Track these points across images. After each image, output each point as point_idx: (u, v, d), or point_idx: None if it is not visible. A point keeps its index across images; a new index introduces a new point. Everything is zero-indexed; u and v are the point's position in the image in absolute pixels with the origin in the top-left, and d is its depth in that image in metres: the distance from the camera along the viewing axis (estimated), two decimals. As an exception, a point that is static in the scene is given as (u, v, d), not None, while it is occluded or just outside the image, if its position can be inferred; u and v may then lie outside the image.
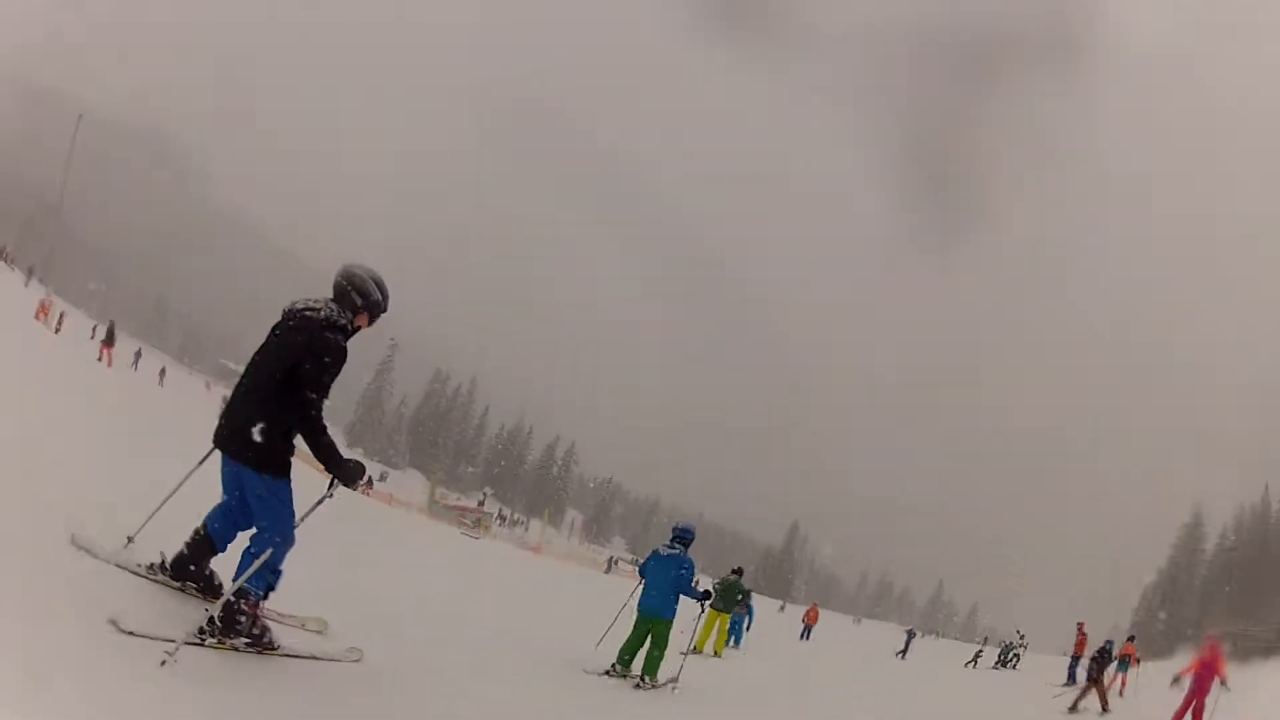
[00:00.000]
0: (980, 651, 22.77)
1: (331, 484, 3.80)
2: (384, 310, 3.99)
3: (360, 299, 3.89)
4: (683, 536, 7.22)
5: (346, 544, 9.63)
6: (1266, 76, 55.98)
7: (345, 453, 3.82)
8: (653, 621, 6.96)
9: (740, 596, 12.63)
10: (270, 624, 3.89)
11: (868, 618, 49.63)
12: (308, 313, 3.79)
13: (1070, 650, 16.89)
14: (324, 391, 3.69)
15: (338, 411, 58.67)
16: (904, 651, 22.56)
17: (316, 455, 3.70)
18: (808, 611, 23.71)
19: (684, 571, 7.02)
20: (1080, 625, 17.34)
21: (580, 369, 64.47)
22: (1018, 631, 26.82)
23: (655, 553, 7.23)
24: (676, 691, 6.93)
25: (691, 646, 8.22)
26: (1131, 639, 17.29)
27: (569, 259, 75.06)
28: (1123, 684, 15.14)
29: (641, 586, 7.16)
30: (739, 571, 12.99)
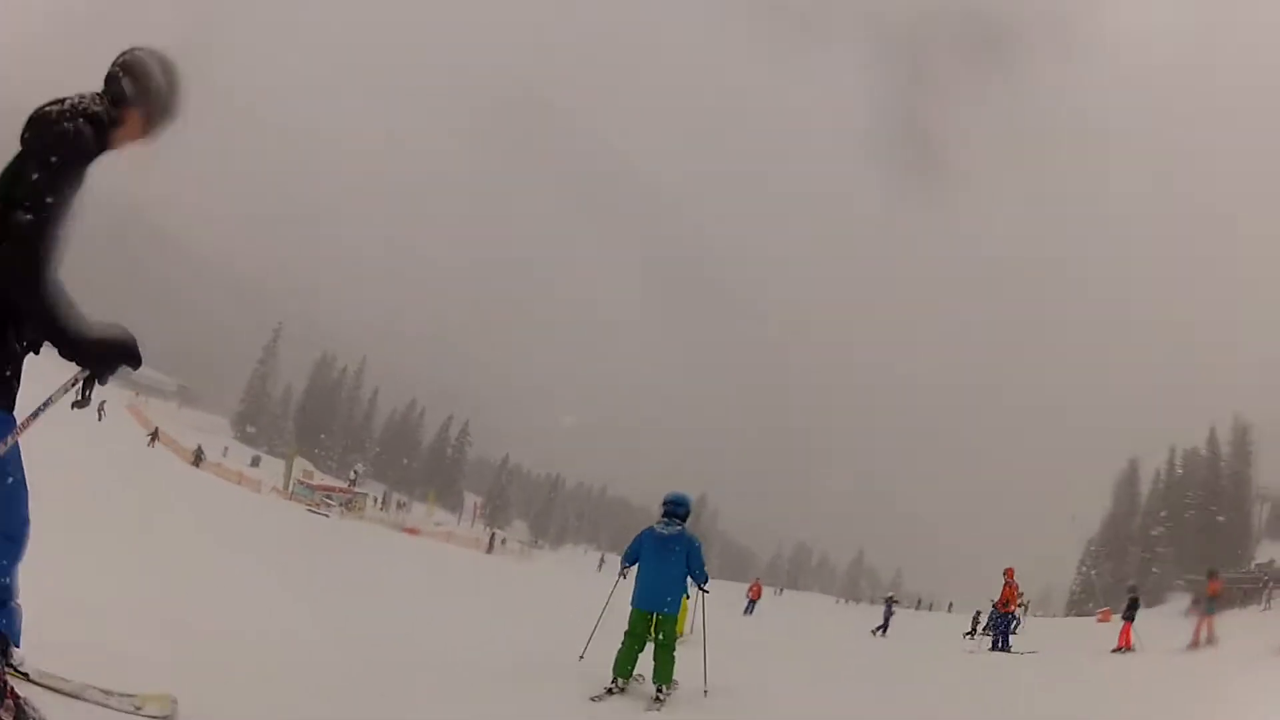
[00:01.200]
0: (978, 616, 19.11)
1: (78, 381, 2.22)
2: (169, 111, 2.49)
3: (133, 85, 2.43)
4: (676, 509, 6.21)
5: (130, 536, 6.88)
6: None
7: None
8: (660, 616, 6.04)
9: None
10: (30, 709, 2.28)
11: (789, 588, 46.93)
12: (47, 107, 2.35)
13: (997, 599, 15.05)
14: (47, 212, 2.10)
15: (224, 400, 54.33)
16: (883, 628, 18.93)
17: (39, 325, 2.17)
18: (751, 586, 24.68)
19: (694, 550, 6.17)
20: (1008, 573, 15.11)
21: (473, 341, 59.67)
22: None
23: (650, 533, 6.24)
24: (709, 696, 5.95)
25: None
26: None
27: (468, 227, 70.13)
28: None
29: (634, 576, 6.25)
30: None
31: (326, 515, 26.64)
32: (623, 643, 5.95)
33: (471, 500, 53.64)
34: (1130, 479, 37.33)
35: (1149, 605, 24.34)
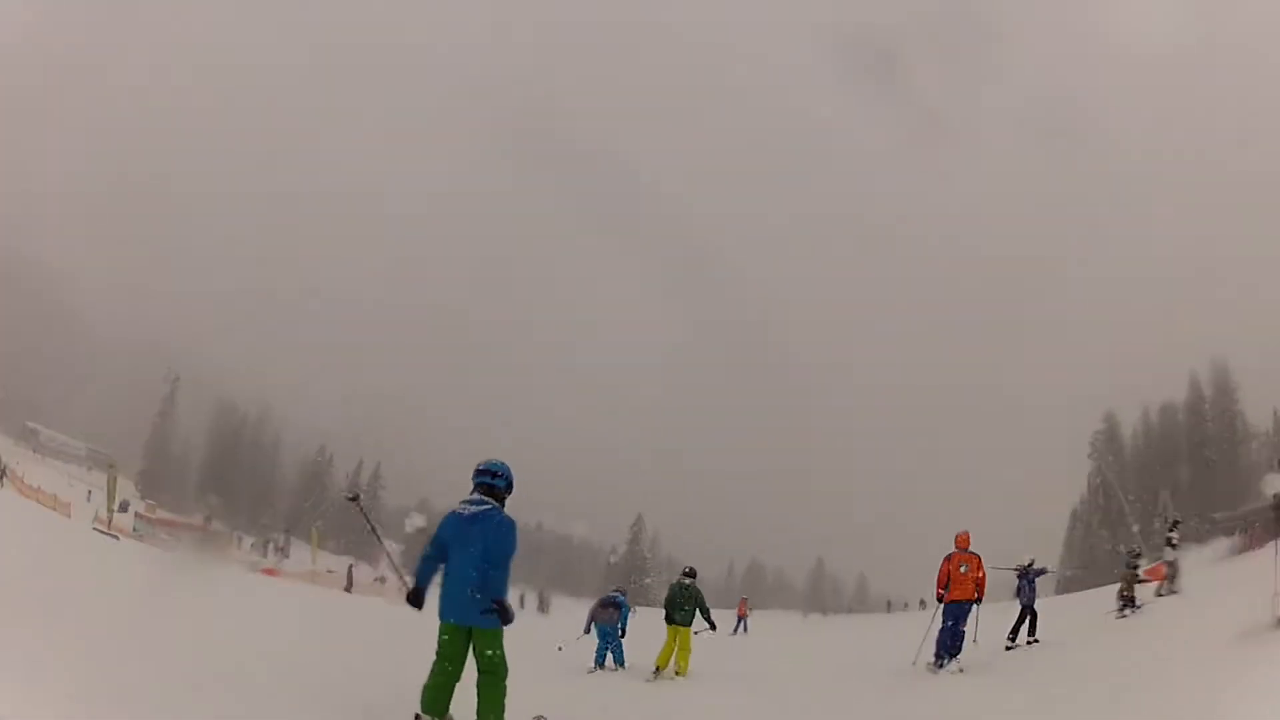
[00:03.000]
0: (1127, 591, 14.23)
1: None
2: None
3: None
4: (490, 481, 6.00)
5: None
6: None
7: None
8: (477, 632, 5.76)
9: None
10: None
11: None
12: None
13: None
14: None
15: (125, 462, 49.22)
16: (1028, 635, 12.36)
17: None
18: (740, 604, 26.77)
19: (499, 535, 5.79)
20: (960, 539, 10.96)
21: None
22: None
23: (453, 516, 5.85)
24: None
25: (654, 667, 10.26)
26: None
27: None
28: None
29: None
30: (692, 573, 11.71)
31: (116, 537, 21.35)
32: (432, 669, 5.24)
33: (389, 547, 48.08)
34: (1113, 435, 33.05)
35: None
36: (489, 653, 5.14)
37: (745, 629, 25.08)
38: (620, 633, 12.34)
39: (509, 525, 5.34)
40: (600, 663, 11.79)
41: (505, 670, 5.20)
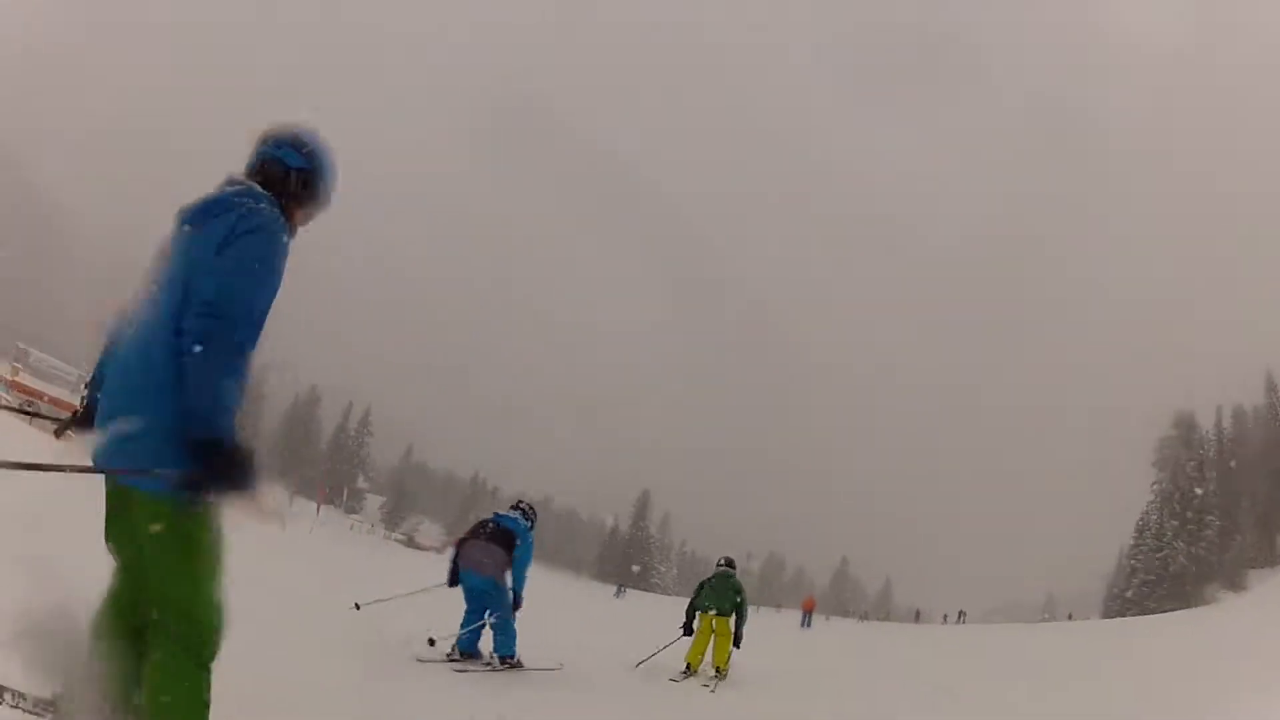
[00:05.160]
0: None
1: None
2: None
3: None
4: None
5: None
6: None
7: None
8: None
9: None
10: None
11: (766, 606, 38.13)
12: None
13: None
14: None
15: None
16: None
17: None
18: (804, 601, 25.64)
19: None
20: None
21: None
22: None
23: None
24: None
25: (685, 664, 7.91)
26: None
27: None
28: None
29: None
30: (730, 564, 9.39)
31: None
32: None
33: (377, 501, 45.67)
34: (1188, 441, 29.74)
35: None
36: (165, 568, 2.16)
37: (809, 624, 23.18)
38: (513, 603, 6.82)
39: (261, 237, 2.27)
40: (467, 648, 6.63)
41: (209, 627, 1.96)
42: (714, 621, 8.62)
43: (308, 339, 50.19)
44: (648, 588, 35.42)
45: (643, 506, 41.87)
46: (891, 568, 41.31)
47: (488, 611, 6.66)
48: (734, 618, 8.84)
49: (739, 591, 8.99)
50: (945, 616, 31.01)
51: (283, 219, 2.25)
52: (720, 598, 8.80)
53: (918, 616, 32.49)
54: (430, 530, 43.59)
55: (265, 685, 2.85)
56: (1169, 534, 27.28)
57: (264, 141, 2.40)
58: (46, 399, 19.91)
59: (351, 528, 38.60)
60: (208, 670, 2.05)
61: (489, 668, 6.44)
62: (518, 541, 6.96)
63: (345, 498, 45.19)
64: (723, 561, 9.52)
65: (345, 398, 44.54)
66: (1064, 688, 9.93)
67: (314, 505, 31.55)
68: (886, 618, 35.05)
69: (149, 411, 2.01)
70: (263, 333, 2.18)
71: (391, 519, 42.77)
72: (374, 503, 45.02)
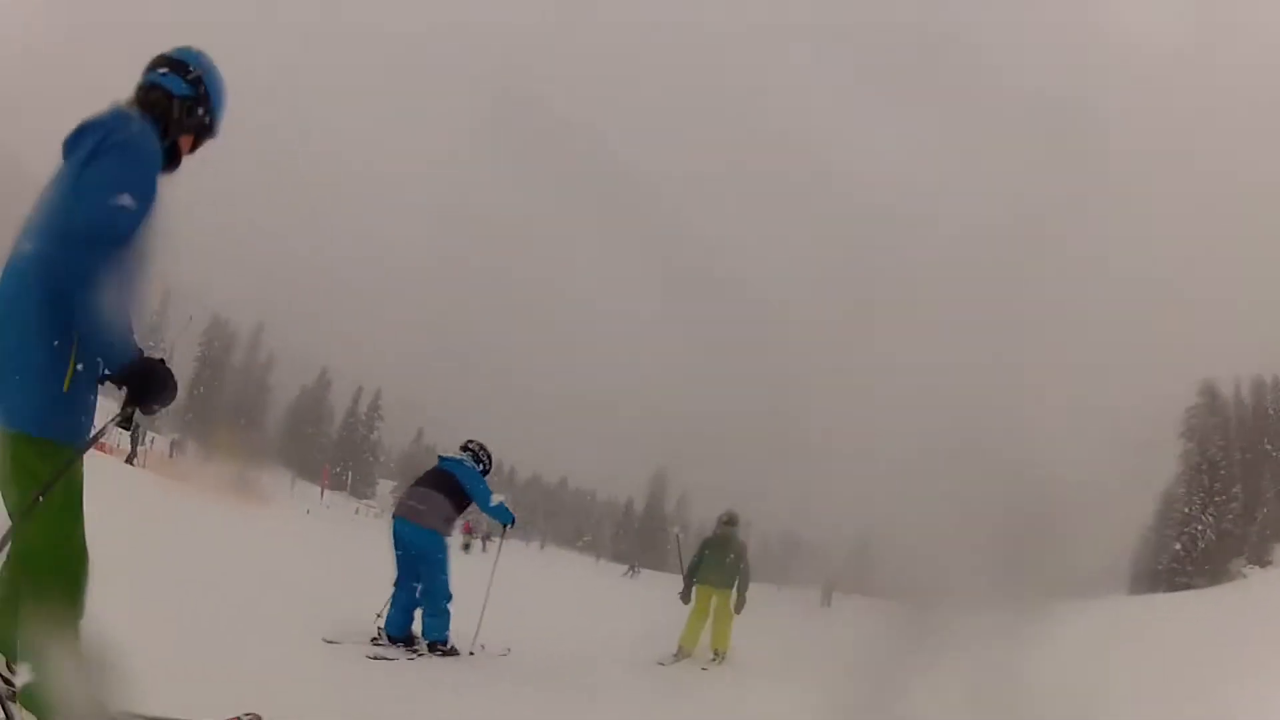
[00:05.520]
0: None
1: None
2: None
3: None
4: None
5: None
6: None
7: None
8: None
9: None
10: None
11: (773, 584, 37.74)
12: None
13: None
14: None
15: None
16: None
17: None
18: (822, 577, 24.08)
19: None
20: None
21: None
22: None
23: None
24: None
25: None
26: None
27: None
28: None
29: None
30: (732, 520, 8.30)
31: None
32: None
33: (388, 486, 45.29)
34: (1215, 410, 29.72)
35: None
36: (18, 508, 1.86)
37: (829, 603, 22.09)
38: (509, 522, 5.65)
39: (125, 151, 2.01)
40: (397, 631, 5.46)
41: (68, 572, 1.88)
42: (713, 597, 7.50)
43: (314, 326, 49.86)
44: (665, 567, 35.28)
45: (657, 484, 41.74)
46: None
47: (419, 582, 5.29)
48: (734, 589, 7.64)
49: (740, 555, 7.84)
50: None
51: (156, 136, 2.15)
52: (719, 567, 7.62)
53: (947, 594, 32.37)
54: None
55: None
56: (1196, 505, 27.29)
57: (150, 67, 2.31)
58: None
59: (357, 511, 38.56)
60: (75, 620, 1.88)
61: (416, 654, 5.14)
62: (465, 486, 5.71)
63: (351, 482, 44.99)
64: (724, 518, 8.35)
65: (354, 383, 44.48)
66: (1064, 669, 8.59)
67: (318, 489, 31.46)
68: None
69: (18, 345, 1.88)
70: (150, 251, 2.00)
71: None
72: (385, 487, 44.08)
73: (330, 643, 4.66)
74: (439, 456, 6.10)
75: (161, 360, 1.97)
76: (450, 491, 5.73)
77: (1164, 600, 21.83)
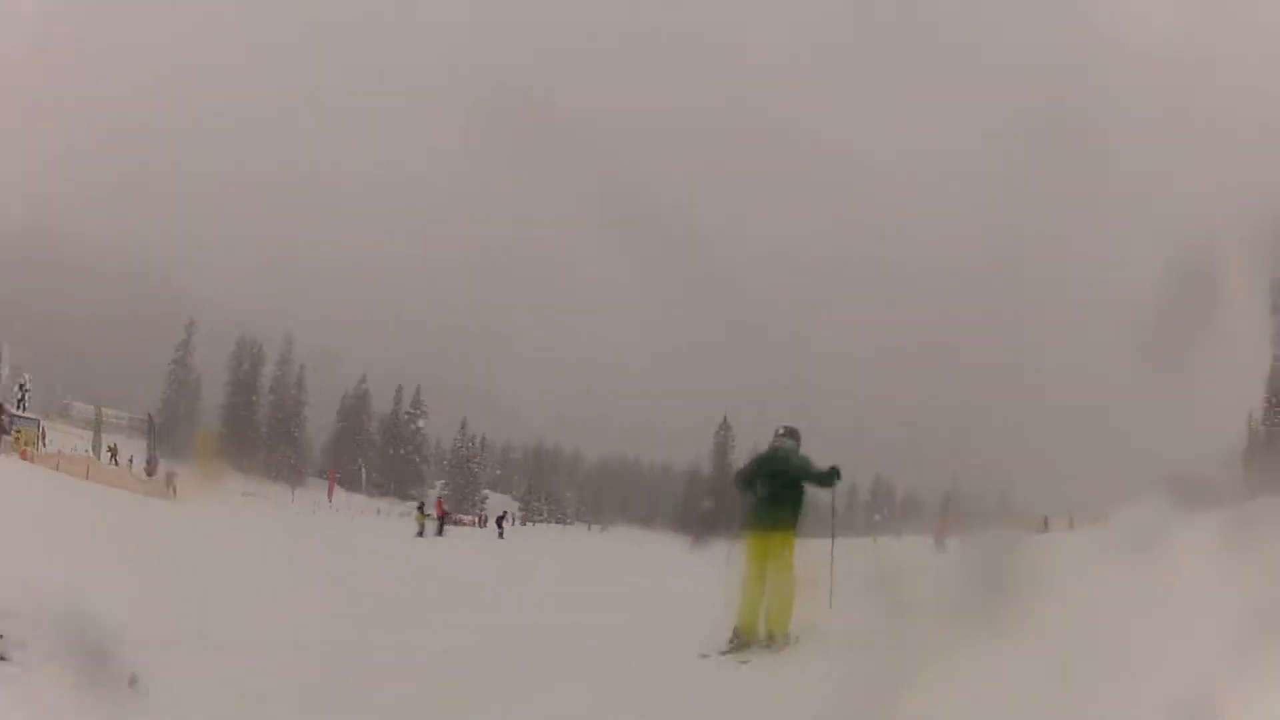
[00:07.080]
0: None
1: None
2: None
3: None
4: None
5: None
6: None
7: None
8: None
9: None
10: None
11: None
12: None
13: None
14: None
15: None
16: None
17: None
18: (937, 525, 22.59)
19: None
20: None
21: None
22: None
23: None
24: None
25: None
26: None
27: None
28: None
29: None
30: (792, 434, 6.77)
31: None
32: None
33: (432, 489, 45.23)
34: None
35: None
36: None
37: (944, 548, 18.76)
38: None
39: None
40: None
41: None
42: (768, 548, 5.26)
43: (350, 329, 50.10)
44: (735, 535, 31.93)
45: (722, 438, 35.09)
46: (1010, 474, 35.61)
47: None
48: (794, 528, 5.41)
49: (800, 472, 5.33)
50: (1070, 520, 27.56)
51: None
52: (772, 500, 5.36)
53: (1046, 524, 28.30)
54: (497, 502, 41.52)
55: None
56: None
57: None
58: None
59: (378, 511, 37.90)
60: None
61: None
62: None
63: (365, 480, 44.24)
64: (781, 430, 6.56)
65: (394, 381, 43.65)
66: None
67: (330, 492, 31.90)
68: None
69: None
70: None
71: (460, 501, 40.59)
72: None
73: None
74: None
75: None
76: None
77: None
